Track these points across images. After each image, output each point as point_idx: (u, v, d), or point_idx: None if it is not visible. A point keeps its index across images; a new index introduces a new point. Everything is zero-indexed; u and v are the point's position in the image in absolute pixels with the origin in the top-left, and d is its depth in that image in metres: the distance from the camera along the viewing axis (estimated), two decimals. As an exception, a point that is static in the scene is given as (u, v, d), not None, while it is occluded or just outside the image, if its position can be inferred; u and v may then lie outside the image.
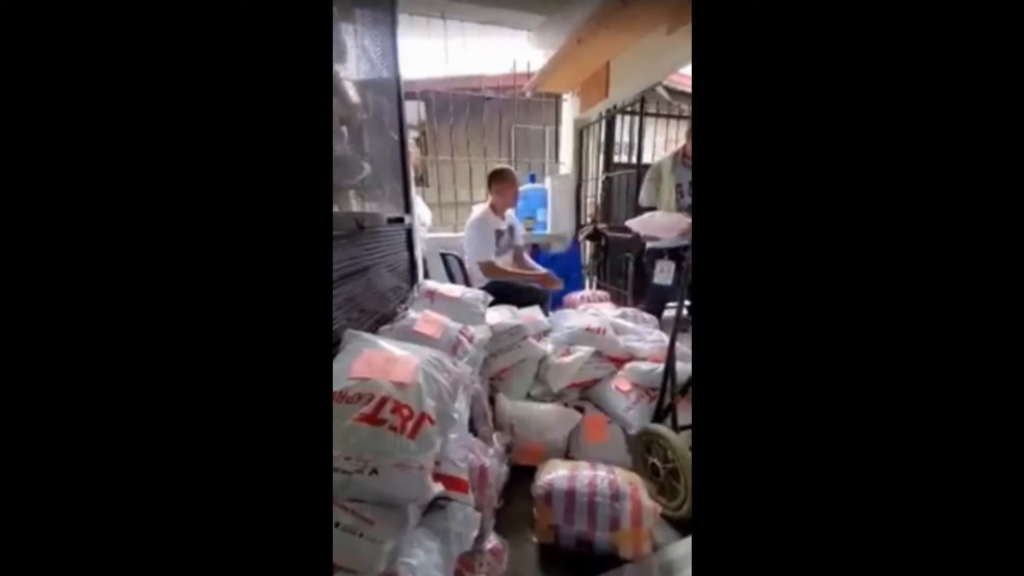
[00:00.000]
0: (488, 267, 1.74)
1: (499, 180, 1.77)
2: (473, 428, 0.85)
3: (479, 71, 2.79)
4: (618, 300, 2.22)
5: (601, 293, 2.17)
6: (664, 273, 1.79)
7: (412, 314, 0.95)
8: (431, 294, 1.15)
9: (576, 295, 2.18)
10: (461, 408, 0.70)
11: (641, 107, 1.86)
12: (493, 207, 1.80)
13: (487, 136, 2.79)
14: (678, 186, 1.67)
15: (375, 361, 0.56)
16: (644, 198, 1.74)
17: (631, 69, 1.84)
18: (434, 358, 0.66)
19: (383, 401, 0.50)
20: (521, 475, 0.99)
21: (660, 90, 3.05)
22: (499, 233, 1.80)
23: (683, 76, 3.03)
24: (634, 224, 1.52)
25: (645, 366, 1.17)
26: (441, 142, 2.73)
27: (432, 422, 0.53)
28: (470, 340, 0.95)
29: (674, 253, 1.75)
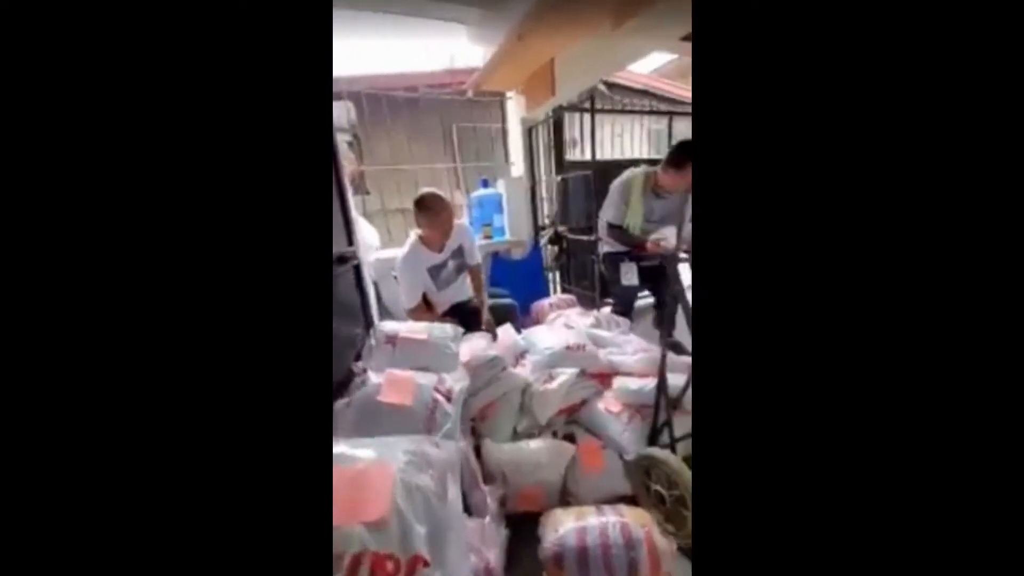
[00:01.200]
0: (409, 313, 1.56)
1: (422, 211, 1.45)
2: (466, 503, 0.73)
3: (414, 68, 2.57)
4: (584, 302, 2.20)
5: (568, 297, 2.13)
6: (630, 275, 1.79)
7: (373, 378, 0.79)
8: (392, 340, 0.99)
9: (544, 302, 2.12)
10: (453, 496, 0.58)
11: (591, 104, 1.81)
12: (424, 240, 1.55)
13: (430, 138, 2.59)
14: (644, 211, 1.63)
15: (338, 489, 0.42)
16: (613, 215, 1.64)
17: (578, 67, 1.77)
18: (411, 455, 0.52)
19: (357, 560, 0.37)
20: (520, 526, 0.90)
21: (599, 85, 3.06)
22: (436, 268, 1.58)
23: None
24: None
25: (634, 383, 1.12)
26: (379, 146, 2.48)
27: (427, 563, 0.40)
28: (448, 398, 0.82)
29: (631, 255, 1.75)
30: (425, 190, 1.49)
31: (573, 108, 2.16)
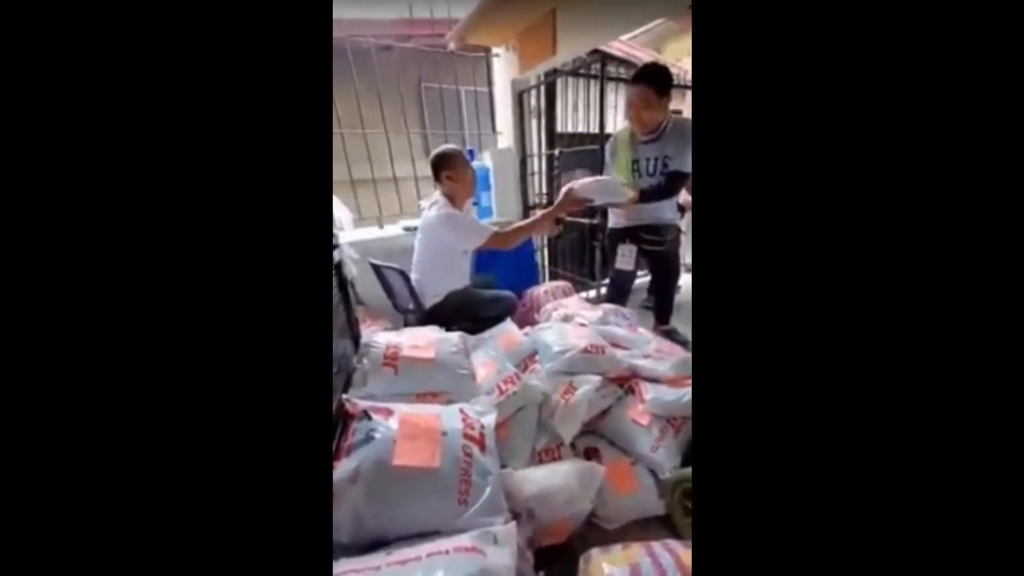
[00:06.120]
0: (499, 240, 1.40)
1: (451, 165, 1.36)
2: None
3: (360, 14, 2.13)
4: (576, 287, 2.07)
5: (564, 284, 1.98)
6: (626, 258, 1.66)
7: (381, 427, 0.59)
8: (392, 360, 0.77)
9: (539, 290, 1.96)
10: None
11: (602, 69, 1.58)
12: (451, 198, 1.39)
13: (386, 98, 2.15)
14: (635, 163, 1.50)
15: None
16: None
17: (583, 21, 1.52)
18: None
19: None
20: (547, 559, 0.78)
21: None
22: None
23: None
24: (578, 186, 1.38)
25: (669, 394, 1.01)
26: (341, 105, 2.08)
27: None
28: (482, 445, 0.64)
29: (633, 235, 1.63)
30: (448, 147, 1.41)
31: (571, 72, 1.91)
